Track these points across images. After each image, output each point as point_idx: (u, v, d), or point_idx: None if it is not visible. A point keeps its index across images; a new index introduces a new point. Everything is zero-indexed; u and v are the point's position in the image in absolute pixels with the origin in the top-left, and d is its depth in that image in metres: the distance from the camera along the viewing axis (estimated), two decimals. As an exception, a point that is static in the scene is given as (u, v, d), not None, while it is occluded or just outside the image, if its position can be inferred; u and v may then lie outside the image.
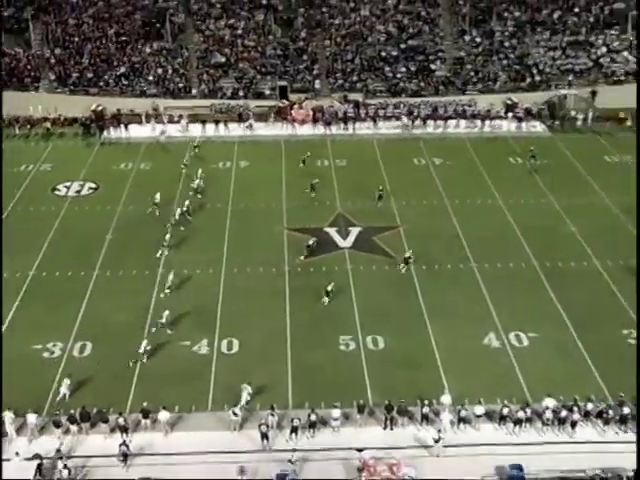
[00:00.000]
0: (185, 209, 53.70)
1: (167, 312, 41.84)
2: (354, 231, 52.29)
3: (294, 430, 34.38)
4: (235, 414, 34.62)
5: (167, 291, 44.48)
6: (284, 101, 74.52)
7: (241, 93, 76.41)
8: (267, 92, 76.65)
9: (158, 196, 54.89)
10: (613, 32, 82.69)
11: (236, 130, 71.07)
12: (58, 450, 33.06)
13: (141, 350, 38.97)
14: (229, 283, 46.10)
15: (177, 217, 52.89)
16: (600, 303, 44.36)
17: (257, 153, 66.01)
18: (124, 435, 33.99)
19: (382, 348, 40.18)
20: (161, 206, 54.61)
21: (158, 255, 48.75)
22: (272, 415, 34.44)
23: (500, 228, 53.02)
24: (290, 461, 32.46)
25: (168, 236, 50.13)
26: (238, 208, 55.79)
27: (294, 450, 33.06)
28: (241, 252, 49.45)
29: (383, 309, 43.38)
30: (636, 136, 67.30)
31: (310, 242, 49.73)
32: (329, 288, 44.28)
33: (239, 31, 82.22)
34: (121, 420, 34.36)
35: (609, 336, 41.24)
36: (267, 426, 33.94)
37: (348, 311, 43.33)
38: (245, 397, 35.96)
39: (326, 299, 44.12)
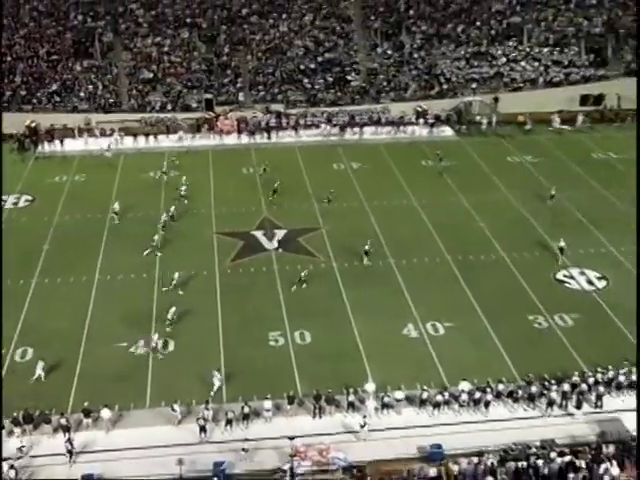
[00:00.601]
0: (171, 214, 53.76)
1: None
2: (279, 233, 52.14)
3: (229, 422, 34.26)
4: (174, 409, 34.32)
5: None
6: (210, 113, 74.11)
7: (169, 107, 75.75)
8: (194, 105, 76.09)
9: (117, 205, 54.45)
10: (511, 44, 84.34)
11: (165, 141, 70.40)
12: (19, 449, 32.43)
13: (153, 344, 39.15)
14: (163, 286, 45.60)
15: (163, 222, 52.63)
16: (508, 292, 45.16)
17: (187, 162, 65.38)
18: (66, 434, 33.34)
19: (309, 342, 40.19)
20: (120, 214, 54.16)
21: (145, 254, 48.83)
22: (207, 409, 34.22)
23: (415, 226, 53.45)
24: (244, 449, 32.45)
25: (157, 237, 50.10)
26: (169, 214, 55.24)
27: (246, 440, 32.93)
28: (174, 256, 48.96)
29: (309, 306, 43.35)
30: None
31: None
32: (302, 275, 45.06)
33: (165, 48, 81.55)
34: (63, 420, 33.79)
35: (517, 322, 42.02)
36: (204, 419, 33.73)
37: (276, 309, 43.21)
38: (217, 384, 36.15)
39: (295, 287, 44.86)
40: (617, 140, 71.71)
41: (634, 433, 33.17)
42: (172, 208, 54.57)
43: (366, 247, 48.29)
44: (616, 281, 46.42)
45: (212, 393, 35.92)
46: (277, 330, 41.18)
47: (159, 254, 49.17)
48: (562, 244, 49.50)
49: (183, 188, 57.81)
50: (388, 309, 43.06)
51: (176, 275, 44.13)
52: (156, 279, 46.15)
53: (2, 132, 69.30)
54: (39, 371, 36.86)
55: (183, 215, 54.80)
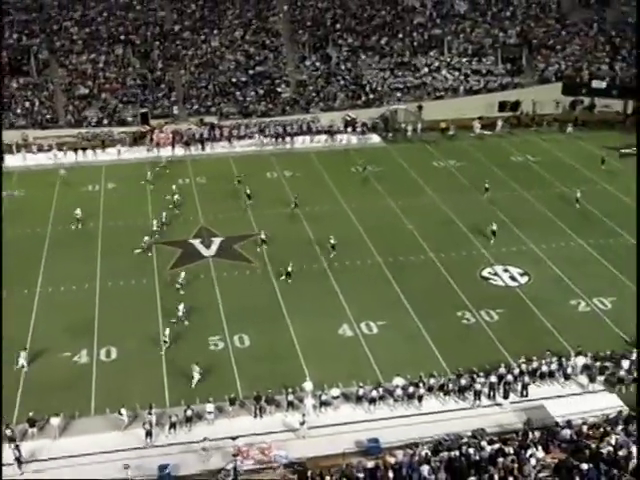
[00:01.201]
0: (164, 221, 54.13)
1: (182, 305, 42.52)
2: (216, 241, 51.82)
3: (173, 426, 33.90)
4: (121, 414, 33.87)
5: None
6: (145, 126, 73.40)
7: (105, 121, 74.78)
8: (130, 119, 75.28)
9: (79, 210, 54.39)
10: (432, 54, 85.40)
11: (102, 155, 69.45)
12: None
13: (165, 339, 39.55)
14: (105, 296, 44.91)
15: (156, 228, 52.88)
16: (437, 290, 45.54)
17: (123, 175, 64.56)
18: (12, 445, 32.38)
19: (248, 345, 39.92)
20: (82, 220, 54.18)
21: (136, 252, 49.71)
22: (150, 414, 33.79)
23: (347, 230, 53.61)
24: (204, 449, 32.26)
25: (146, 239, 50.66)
26: (108, 226, 54.63)
27: (205, 439, 32.61)
28: (114, 267, 48.25)
29: (247, 310, 43.07)
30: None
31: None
32: (289, 269, 46.00)
33: (100, 64, 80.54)
34: (8, 432, 32.93)
35: (446, 319, 42.38)
36: (150, 424, 33.36)
37: (215, 314, 42.89)
38: (196, 377, 36.49)
39: (283, 277, 46.13)
40: (534, 143, 73.18)
41: (557, 418, 33.88)
42: (164, 214, 54.80)
43: (331, 241, 49.24)
44: (537, 277, 47.25)
45: (192, 386, 36.28)
46: (217, 335, 40.83)
47: (150, 254, 49.87)
48: (494, 227, 51.61)
49: (175, 197, 57.98)
50: (323, 310, 43.06)
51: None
52: (97, 289, 45.49)
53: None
54: (22, 361, 37.31)
55: (120, 227, 54.08)
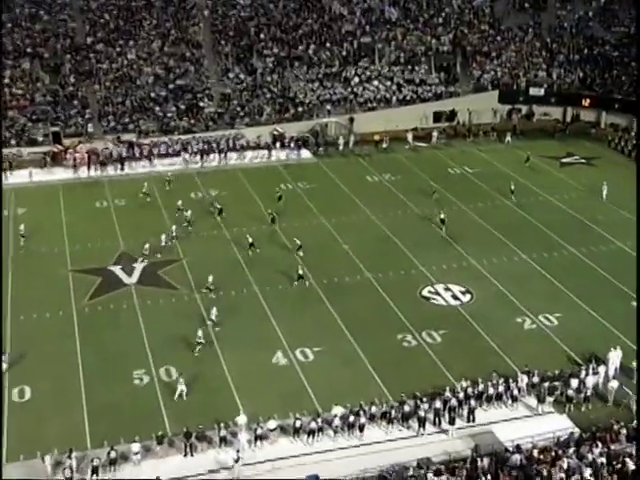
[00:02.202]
0: (174, 235, 55.47)
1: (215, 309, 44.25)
2: (138, 267, 51.16)
3: (95, 471, 32.86)
4: (44, 460, 32.83)
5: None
6: (58, 146, 72.08)
7: (13, 141, 73.13)
8: (40, 138, 73.70)
9: (22, 227, 54.76)
10: (362, 64, 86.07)
11: (11, 178, 67.68)
12: None
13: (201, 340, 41.33)
14: (16, 331, 43.60)
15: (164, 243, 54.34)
16: (375, 312, 45.69)
17: (35, 199, 63.22)
18: None
19: (175, 378, 39.22)
20: (27, 235, 54.37)
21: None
22: (70, 459, 32.78)
23: (278, 251, 53.55)
24: None
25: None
26: (18, 254, 53.31)
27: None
28: (26, 298, 46.97)
29: (173, 340, 42.48)
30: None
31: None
32: (300, 272, 48.38)
33: (6, 80, 78.75)
34: None
35: (386, 342, 42.47)
36: (70, 470, 32.37)
37: (139, 345, 42.15)
38: (181, 388, 37.64)
39: (296, 283, 48.24)
40: (471, 155, 74.46)
41: (507, 443, 34.06)
42: (173, 227, 55.92)
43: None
44: (480, 294, 47.73)
45: (175, 398, 37.52)
46: (141, 368, 40.11)
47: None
48: (442, 216, 55.37)
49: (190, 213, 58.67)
50: (256, 338, 42.72)
51: (210, 279, 46.97)
52: (8, 323, 44.20)
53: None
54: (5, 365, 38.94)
55: (33, 255, 52.94)
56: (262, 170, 70.81)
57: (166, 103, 79.25)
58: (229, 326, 43.86)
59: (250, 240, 52.95)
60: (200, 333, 41.49)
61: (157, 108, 78.64)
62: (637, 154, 69.19)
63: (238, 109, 79.94)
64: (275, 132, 76.51)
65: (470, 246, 54.13)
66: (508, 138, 76.90)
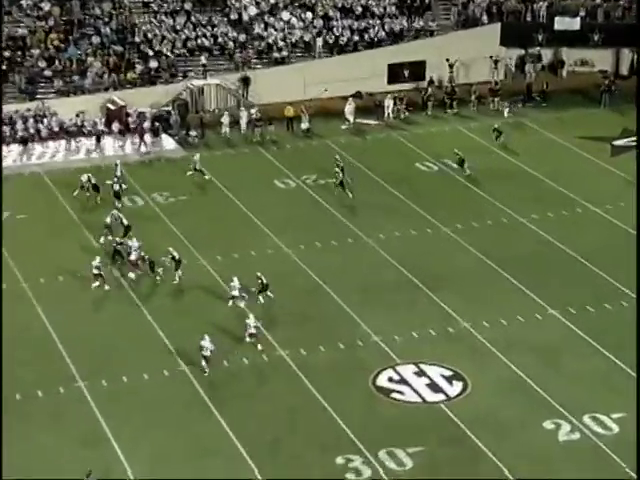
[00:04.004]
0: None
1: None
2: None
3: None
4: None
5: None
6: None
7: None
8: None
9: None
10: None
11: None
12: None
13: (252, 330, 49.21)
14: None
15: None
16: (294, 419, 45.06)
17: None
18: None
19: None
20: None
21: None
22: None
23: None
24: None
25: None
26: None
27: None
28: None
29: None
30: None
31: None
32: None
33: None
34: None
35: (314, 472, 41.52)
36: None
37: None
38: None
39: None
40: (456, 138, 75.54)
41: None
42: None
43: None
44: (478, 381, 47.34)
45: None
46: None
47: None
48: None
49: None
50: (77, 459, 41.85)
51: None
52: None
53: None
54: None
55: None
56: (87, 173, 69.48)
57: None
58: (33, 445, 42.77)
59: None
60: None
61: None
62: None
63: (42, 65, 79.45)
64: (110, 106, 76.48)
65: (458, 295, 54.52)
66: (518, 106, 78.50)
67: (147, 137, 74.91)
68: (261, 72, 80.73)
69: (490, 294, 54.94)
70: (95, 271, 55.50)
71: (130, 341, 51.42)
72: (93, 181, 65.21)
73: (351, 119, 77.46)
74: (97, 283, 55.55)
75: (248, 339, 49.96)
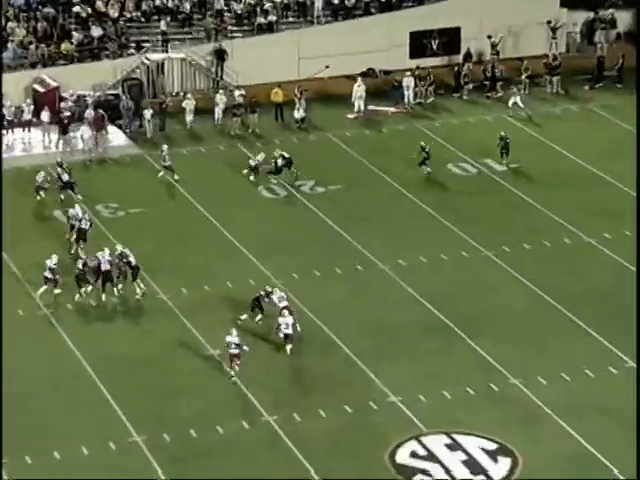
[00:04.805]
0: None
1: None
2: None
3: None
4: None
5: None
6: None
7: None
8: None
9: None
10: None
11: None
12: None
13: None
14: None
15: None
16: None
17: None
18: None
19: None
20: None
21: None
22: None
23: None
24: None
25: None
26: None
27: None
28: None
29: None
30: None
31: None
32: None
33: None
34: None
35: None
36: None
37: None
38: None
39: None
40: (500, 129, 74.12)
41: None
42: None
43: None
44: (536, 457, 46.71)
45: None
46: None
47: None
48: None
49: None
50: None
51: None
52: None
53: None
54: None
55: None
56: (19, 175, 70.77)
57: None
58: None
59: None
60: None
61: None
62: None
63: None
64: (38, 87, 76.87)
65: (504, 342, 54.22)
66: (515, 96, 77.95)
67: (88, 129, 74.67)
68: (241, 43, 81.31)
69: (548, 340, 54.38)
70: (47, 274, 56.88)
71: (65, 403, 51.19)
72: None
73: (360, 106, 77.73)
74: (45, 287, 57.14)
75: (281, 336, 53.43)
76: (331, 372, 52.70)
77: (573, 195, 67.13)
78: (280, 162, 68.57)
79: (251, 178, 66.58)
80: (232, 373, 51.35)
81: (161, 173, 69.64)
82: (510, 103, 77.82)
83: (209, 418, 49.79)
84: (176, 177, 69.54)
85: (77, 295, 58.02)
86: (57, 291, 57.64)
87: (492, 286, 59.45)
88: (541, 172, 70.11)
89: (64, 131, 74.56)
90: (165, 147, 69.87)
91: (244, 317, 55.80)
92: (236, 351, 51.17)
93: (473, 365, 52.92)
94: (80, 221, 61.11)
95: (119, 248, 58.35)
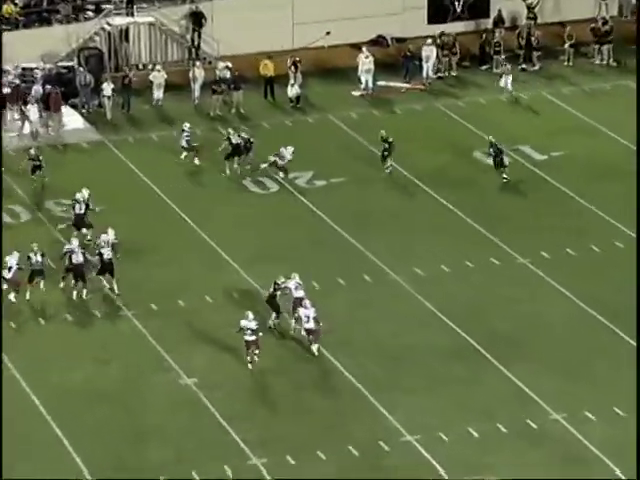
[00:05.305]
0: None
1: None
2: None
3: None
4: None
5: None
6: None
7: None
8: None
9: None
10: None
11: None
12: None
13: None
14: None
15: None
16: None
17: None
18: None
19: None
20: None
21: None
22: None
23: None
24: None
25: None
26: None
27: None
28: None
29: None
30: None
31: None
32: None
33: None
34: None
35: None
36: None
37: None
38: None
39: None
40: (537, 109, 76.48)
41: None
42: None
43: None
44: None
45: None
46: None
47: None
48: None
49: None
50: None
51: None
52: None
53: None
54: None
55: None
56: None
57: None
58: None
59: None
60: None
61: None
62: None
63: None
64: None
65: (544, 369, 54.07)
66: (507, 76, 77.82)
67: (35, 109, 74.92)
68: (222, 4, 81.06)
69: (596, 365, 54.17)
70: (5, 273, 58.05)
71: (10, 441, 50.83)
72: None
73: (369, 80, 77.46)
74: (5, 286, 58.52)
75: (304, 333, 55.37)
76: (332, 405, 52.55)
77: (627, 189, 66.84)
78: (236, 141, 68.65)
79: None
80: (250, 367, 53.88)
81: (184, 154, 69.91)
82: (502, 83, 78.29)
83: (183, 463, 49.85)
84: (197, 162, 70.08)
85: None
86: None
87: (528, 300, 59.10)
88: (588, 161, 70.17)
89: (26, 110, 74.50)
90: (187, 125, 70.33)
91: (277, 321, 57.02)
92: (252, 337, 53.70)
93: (506, 396, 52.60)
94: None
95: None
